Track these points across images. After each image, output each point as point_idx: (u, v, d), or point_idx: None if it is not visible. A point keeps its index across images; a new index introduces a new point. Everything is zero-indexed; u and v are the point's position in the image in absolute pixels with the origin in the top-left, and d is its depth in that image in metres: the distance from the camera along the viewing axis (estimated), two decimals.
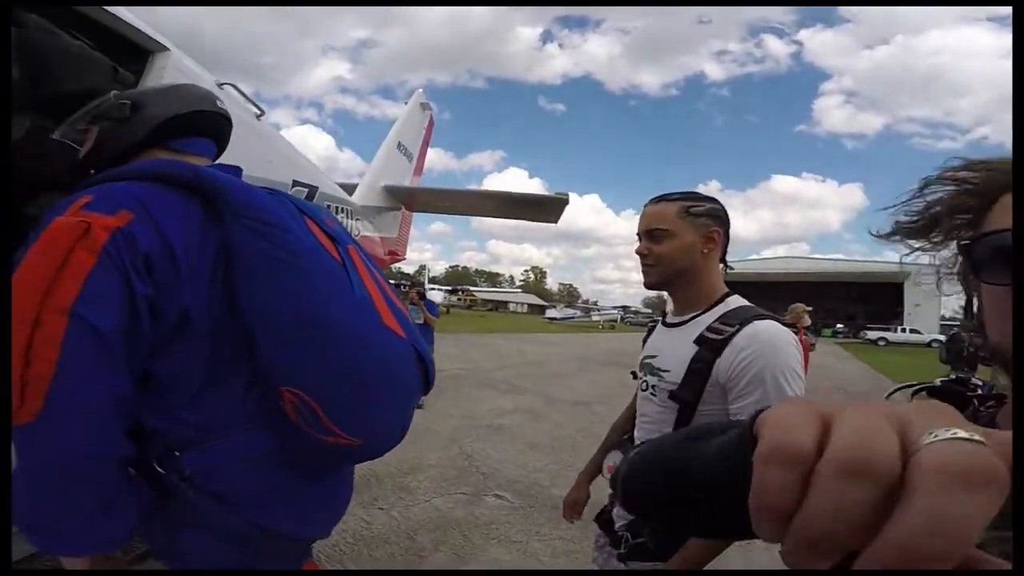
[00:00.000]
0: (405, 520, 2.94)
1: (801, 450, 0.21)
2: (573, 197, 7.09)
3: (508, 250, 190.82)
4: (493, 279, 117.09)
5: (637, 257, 1.20)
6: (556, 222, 7.73)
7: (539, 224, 8.31)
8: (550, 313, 42.37)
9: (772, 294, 47.24)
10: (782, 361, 1.02)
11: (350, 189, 6.60)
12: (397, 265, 17.54)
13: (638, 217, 1.22)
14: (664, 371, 1.16)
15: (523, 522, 3.02)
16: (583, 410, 6.61)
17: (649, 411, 1.21)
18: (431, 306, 6.59)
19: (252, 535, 0.92)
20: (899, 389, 0.68)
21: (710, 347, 1.07)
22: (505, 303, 71.72)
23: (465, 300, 46.38)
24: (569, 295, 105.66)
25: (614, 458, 1.26)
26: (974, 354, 6.77)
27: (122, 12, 2.13)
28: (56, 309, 0.73)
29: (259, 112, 3.39)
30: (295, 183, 4.16)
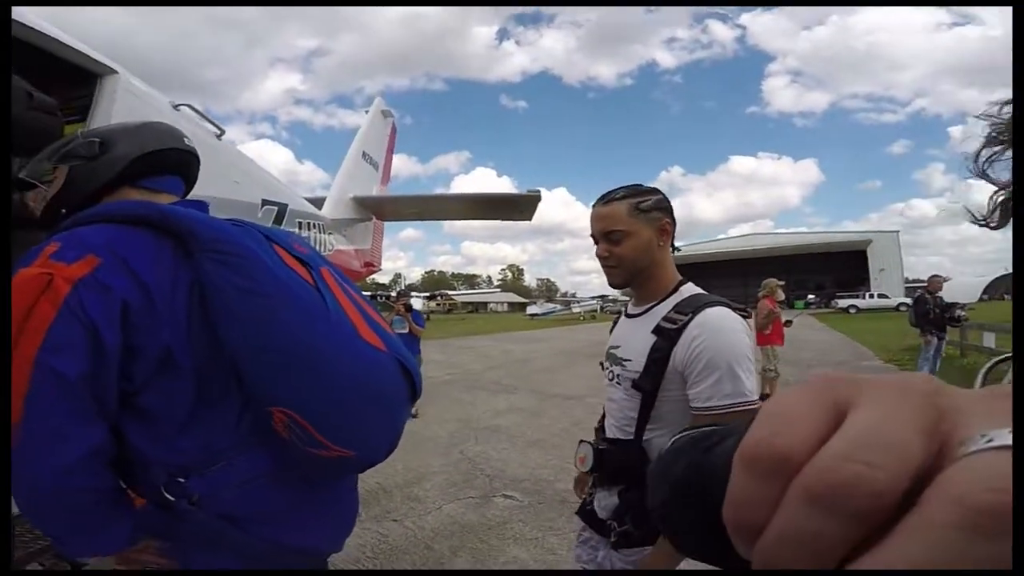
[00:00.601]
0: (420, 529, 2.97)
1: (783, 456, 0.17)
2: (542, 192, 7.18)
3: (483, 250, 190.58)
4: (471, 281, 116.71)
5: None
6: (530, 219, 7.80)
7: (511, 222, 8.41)
8: (531, 310, 42.45)
9: (742, 271, 48.52)
10: (731, 346, 1.09)
11: (316, 203, 6.55)
12: (371, 277, 17.36)
13: (591, 220, 1.26)
14: (626, 360, 1.23)
15: (536, 519, 3.08)
16: (576, 404, 6.70)
17: (616, 398, 1.28)
18: (417, 316, 6.59)
19: (266, 551, 0.96)
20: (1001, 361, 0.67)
21: (666, 336, 1.14)
22: (485, 304, 71.65)
23: (444, 305, 46.14)
24: (548, 290, 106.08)
25: (584, 450, 1.31)
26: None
27: (63, 36, 2.07)
28: (22, 357, 0.78)
29: (219, 132, 3.35)
30: (264, 202, 4.10)
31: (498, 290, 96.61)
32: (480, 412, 6.32)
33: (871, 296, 35.48)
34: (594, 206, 1.27)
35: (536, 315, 39.43)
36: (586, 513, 1.36)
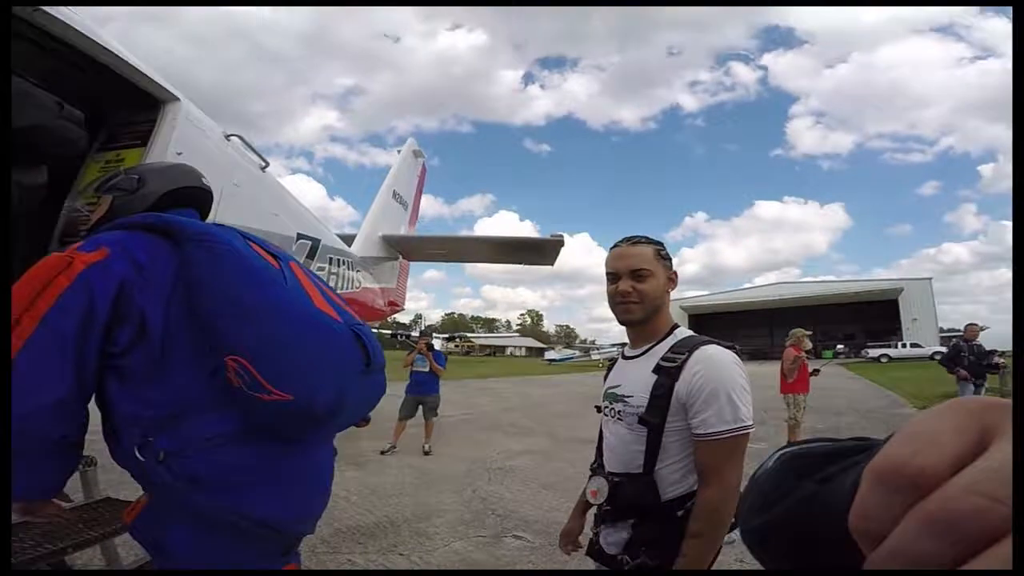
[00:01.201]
0: (426, 565, 2.89)
1: (916, 476, 0.18)
2: (564, 237, 7.26)
3: (503, 295, 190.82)
4: (490, 325, 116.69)
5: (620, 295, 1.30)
6: (553, 264, 7.82)
7: (532, 267, 8.46)
8: (549, 355, 42.11)
9: (768, 320, 47.50)
10: (729, 378, 1.18)
11: (347, 239, 6.76)
12: (394, 316, 17.58)
13: (612, 258, 1.34)
14: (628, 397, 1.29)
15: (546, 561, 2.97)
16: (591, 447, 6.49)
17: (619, 434, 1.32)
18: (439, 356, 6.63)
19: (232, 522, 1.06)
20: None
21: (667, 374, 1.23)
22: (503, 348, 71.26)
23: (463, 347, 46.08)
24: (567, 336, 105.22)
25: (597, 483, 1.33)
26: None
27: (137, 62, 2.28)
28: (33, 317, 0.98)
29: (264, 164, 3.52)
30: (299, 236, 4.29)
31: (517, 334, 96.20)
32: (495, 452, 6.21)
33: (903, 346, 34.24)
34: (617, 245, 1.36)
35: (554, 360, 39.02)
36: (595, 552, 1.36)
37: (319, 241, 4.67)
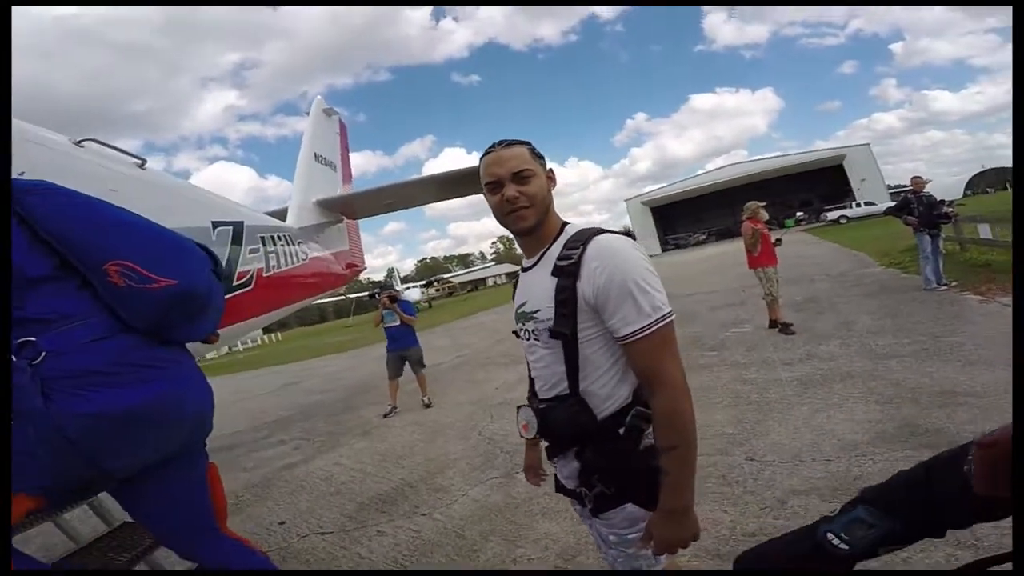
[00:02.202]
0: (449, 520, 2.96)
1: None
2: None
3: (470, 228, 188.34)
4: (464, 261, 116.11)
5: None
6: None
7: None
8: None
9: (728, 201, 48.38)
10: (632, 267, 1.09)
11: (282, 215, 6.34)
12: (365, 275, 17.19)
13: (487, 165, 1.22)
14: (536, 312, 1.20)
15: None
16: None
17: (539, 356, 1.23)
18: (406, 306, 6.48)
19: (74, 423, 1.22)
20: None
21: (566, 273, 1.13)
22: (483, 280, 71.46)
23: (444, 289, 45.96)
24: None
25: (525, 415, 1.26)
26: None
27: None
28: None
29: (140, 161, 3.18)
30: (216, 224, 3.90)
31: (493, 263, 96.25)
32: (493, 389, 6.32)
33: (858, 205, 35.42)
34: (489, 152, 1.23)
35: None
36: (560, 487, 1.31)
37: (242, 223, 4.29)
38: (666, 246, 51.14)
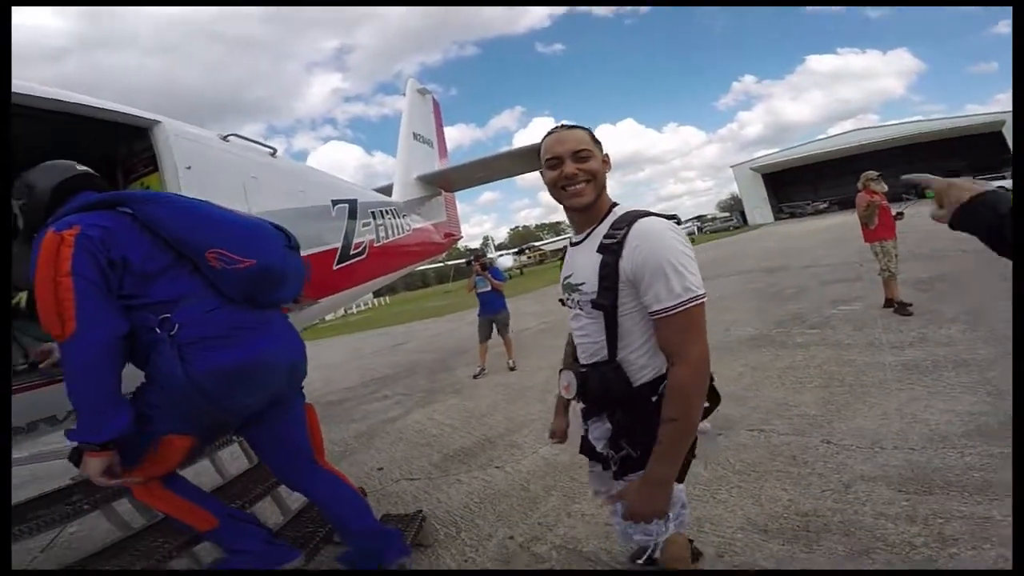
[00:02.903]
0: (518, 473, 3.26)
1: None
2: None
3: None
4: (555, 229, 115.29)
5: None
6: None
7: None
8: None
9: (852, 168, 42.19)
10: (670, 248, 1.18)
11: (388, 190, 6.89)
12: (463, 244, 18.01)
13: (549, 145, 1.35)
14: (581, 284, 1.32)
15: None
16: None
17: (582, 324, 1.36)
18: (496, 273, 6.87)
19: (208, 377, 1.57)
20: None
21: (610, 251, 1.24)
22: None
23: (536, 256, 46.44)
24: None
25: (567, 378, 1.38)
26: None
27: (111, 104, 2.47)
28: (63, 273, 1.44)
29: (271, 150, 3.66)
30: (335, 202, 4.45)
31: None
32: None
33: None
34: (552, 133, 1.37)
35: None
36: (587, 449, 1.45)
37: (356, 200, 4.84)
38: (780, 214, 46.56)
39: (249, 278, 1.68)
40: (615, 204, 1.36)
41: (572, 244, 1.44)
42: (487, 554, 2.40)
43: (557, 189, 1.34)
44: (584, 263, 1.31)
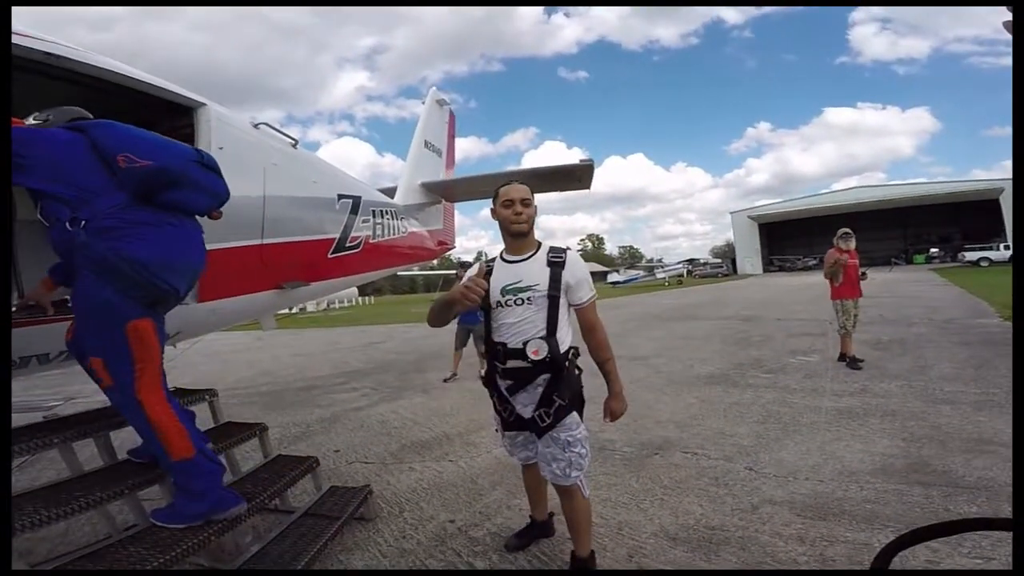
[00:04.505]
0: (470, 468, 3.47)
1: None
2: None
3: (560, 222, 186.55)
4: None
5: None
6: (588, 187, 7.85)
7: (586, 192, 8.50)
8: (612, 278, 41.75)
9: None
10: (584, 270, 2.06)
11: (390, 192, 7.16)
12: (456, 256, 18.29)
13: (507, 191, 2.07)
14: (535, 285, 1.96)
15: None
16: (640, 364, 6.86)
17: (523, 315, 1.96)
18: None
19: (117, 264, 1.84)
20: None
21: (558, 266, 1.98)
22: None
23: None
24: (631, 257, 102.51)
25: (537, 344, 1.92)
26: None
27: (170, 84, 2.82)
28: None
29: (293, 141, 3.96)
30: (340, 196, 4.74)
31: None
32: None
33: (1007, 247, 30.06)
34: (505, 186, 2.08)
35: (618, 283, 38.80)
36: (515, 422, 2.02)
37: (359, 198, 5.10)
38: (769, 266, 47.48)
39: (146, 176, 1.94)
40: (541, 242, 2.10)
41: (507, 261, 2.07)
42: (425, 533, 2.60)
43: (507, 221, 2.03)
44: (536, 273, 1.99)
